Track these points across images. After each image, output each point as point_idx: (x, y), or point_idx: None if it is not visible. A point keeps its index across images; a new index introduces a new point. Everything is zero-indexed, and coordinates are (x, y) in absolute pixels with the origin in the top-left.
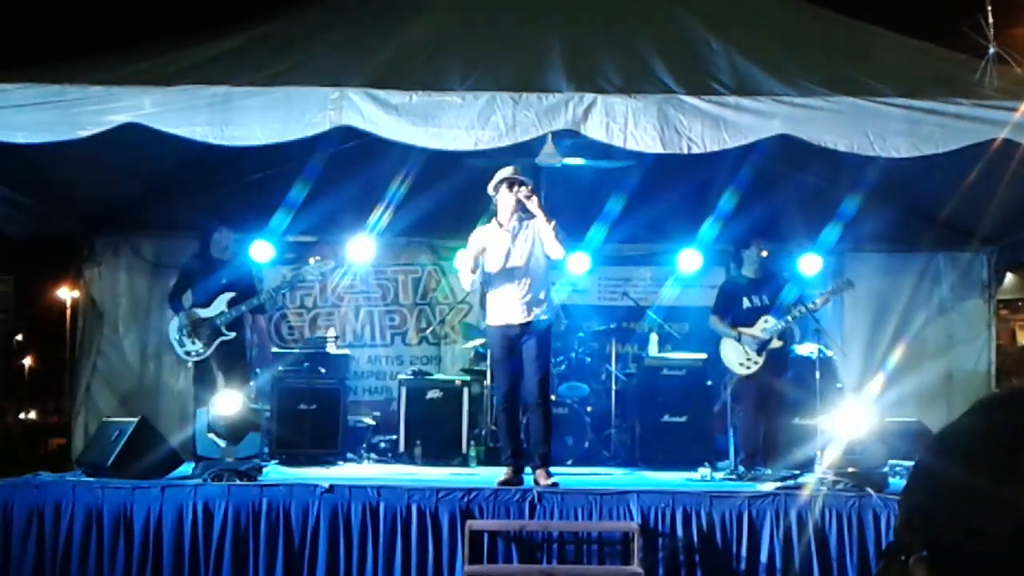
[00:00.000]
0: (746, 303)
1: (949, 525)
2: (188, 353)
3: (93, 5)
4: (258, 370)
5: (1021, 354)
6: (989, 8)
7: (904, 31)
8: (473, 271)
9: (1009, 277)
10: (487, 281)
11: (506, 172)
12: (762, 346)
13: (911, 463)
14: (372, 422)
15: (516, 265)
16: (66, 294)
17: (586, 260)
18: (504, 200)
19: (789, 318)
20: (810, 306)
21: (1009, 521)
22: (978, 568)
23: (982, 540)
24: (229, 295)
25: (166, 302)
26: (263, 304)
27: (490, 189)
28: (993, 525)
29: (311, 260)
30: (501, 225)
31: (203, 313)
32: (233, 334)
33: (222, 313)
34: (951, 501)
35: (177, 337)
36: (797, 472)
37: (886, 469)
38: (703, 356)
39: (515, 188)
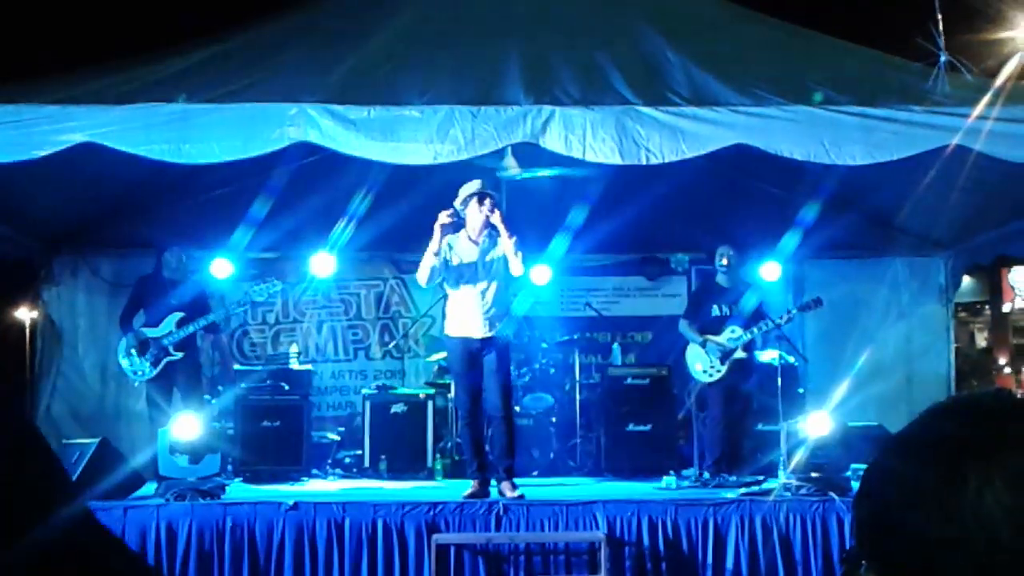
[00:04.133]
0: (715, 311)
1: (897, 532)
2: (135, 373)
3: (47, 24)
4: (220, 388)
5: (980, 357)
6: (940, 17)
7: (857, 40)
8: (436, 255)
9: (967, 280)
10: (448, 290)
11: (474, 186)
12: (726, 355)
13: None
14: (336, 437)
15: (481, 279)
16: (25, 315)
17: (548, 271)
18: (473, 214)
19: (755, 330)
20: (778, 321)
21: (955, 528)
22: (926, 575)
23: (928, 547)
24: (178, 315)
25: None
26: (216, 323)
27: (458, 203)
28: (939, 533)
29: (266, 280)
30: (471, 238)
31: (150, 333)
32: (181, 354)
33: (169, 333)
34: (899, 508)
35: (124, 357)
36: (761, 478)
37: (849, 473)
38: (666, 365)
39: (483, 202)
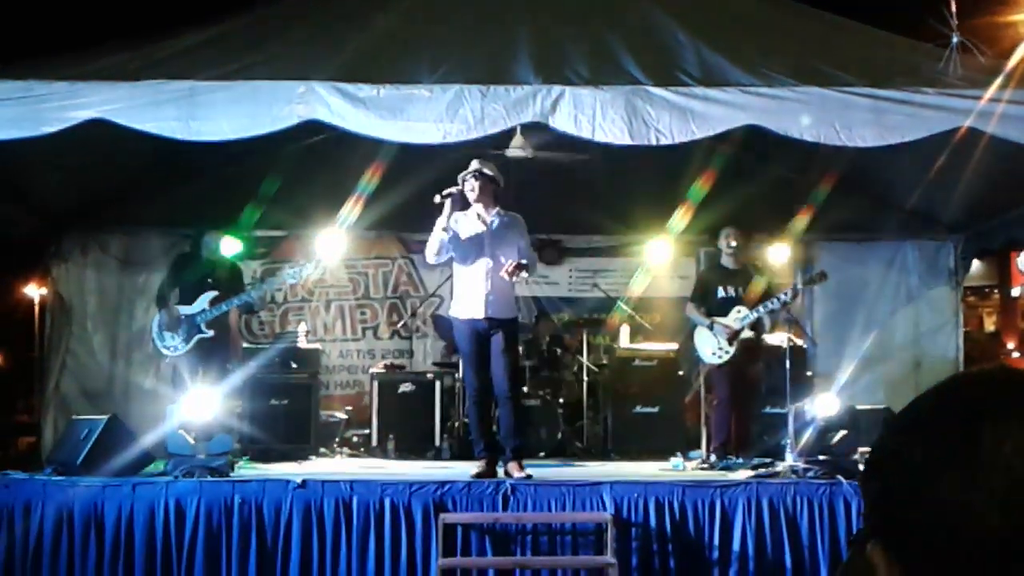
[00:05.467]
0: (721, 293)
1: (902, 510)
2: (167, 348)
3: (57, 2)
4: (228, 366)
5: (989, 341)
6: None
7: (869, 22)
8: (444, 230)
9: (977, 264)
10: (455, 268)
11: (471, 166)
12: (733, 336)
13: None
14: (344, 416)
15: (487, 260)
16: (34, 292)
17: (556, 252)
18: (474, 191)
19: (762, 309)
20: (783, 298)
21: (957, 507)
22: (929, 553)
23: (932, 525)
24: (212, 294)
25: (135, 299)
26: (250, 303)
27: (460, 187)
28: (942, 511)
29: (299, 263)
30: (479, 216)
31: (184, 310)
32: (212, 332)
33: (203, 311)
34: (903, 486)
35: (157, 332)
36: (768, 460)
37: (856, 456)
38: (674, 346)
39: (476, 178)
